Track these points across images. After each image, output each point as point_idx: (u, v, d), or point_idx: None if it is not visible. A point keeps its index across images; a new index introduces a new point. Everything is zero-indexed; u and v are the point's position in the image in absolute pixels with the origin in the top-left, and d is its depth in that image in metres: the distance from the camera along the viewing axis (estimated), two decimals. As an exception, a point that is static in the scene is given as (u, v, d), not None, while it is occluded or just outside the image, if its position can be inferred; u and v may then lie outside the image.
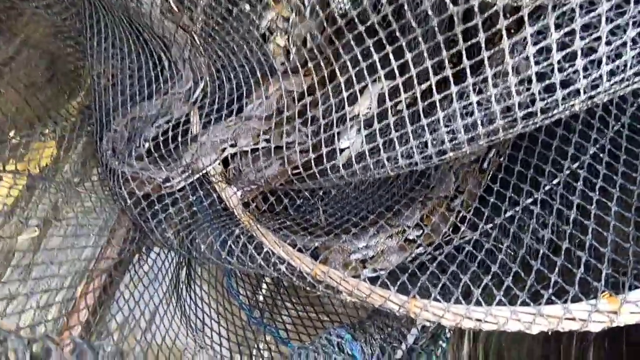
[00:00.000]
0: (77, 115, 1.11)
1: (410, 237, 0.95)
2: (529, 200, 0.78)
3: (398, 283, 0.72)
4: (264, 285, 1.05)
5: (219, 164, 0.99)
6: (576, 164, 0.69)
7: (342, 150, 1.04)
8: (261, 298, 0.98)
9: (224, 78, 1.06)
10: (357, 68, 0.74)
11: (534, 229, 0.79)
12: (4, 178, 0.91)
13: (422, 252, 0.92)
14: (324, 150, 0.85)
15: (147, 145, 0.99)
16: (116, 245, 1.08)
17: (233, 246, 0.74)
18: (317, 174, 0.86)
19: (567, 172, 0.71)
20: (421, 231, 0.95)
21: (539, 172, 0.81)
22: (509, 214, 0.80)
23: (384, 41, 0.66)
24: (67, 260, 1.03)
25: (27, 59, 0.94)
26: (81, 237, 1.06)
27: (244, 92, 1.08)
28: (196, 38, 1.03)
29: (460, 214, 0.94)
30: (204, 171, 0.97)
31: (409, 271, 0.82)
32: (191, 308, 0.88)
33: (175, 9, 1.01)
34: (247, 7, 1.19)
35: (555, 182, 0.74)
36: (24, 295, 0.90)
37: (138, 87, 1.01)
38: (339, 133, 1.05)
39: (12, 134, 0.99)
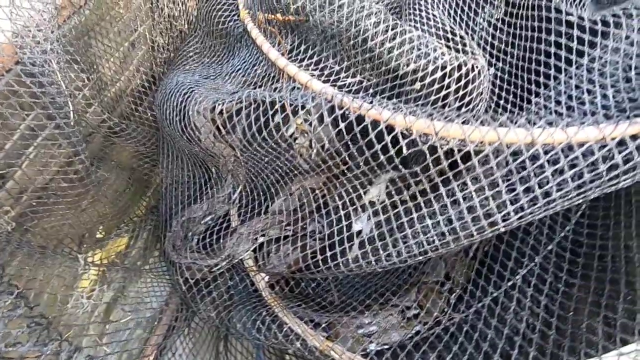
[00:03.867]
0: (144, 212, 1.43)
1: (409, 316, 1.12)
2: (502, 288, 0.97)
3: None
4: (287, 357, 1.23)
5: (253, 251, 1.25)
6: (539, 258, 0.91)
7: (356, 234, 1.28)
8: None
9: (257, 183, 1.37)
10: (364, 169, 0.98)
11: (515, 310, 0.98)
12: (92, 268, 1.20)
13: (419, 330, 1.09)
14: (337, 238, 1.09)
15: (196, 238, 1.27)
16: (166, 321, 1.32)
17: (261, 325, 0.96)
18: (330, 260, 1.08)
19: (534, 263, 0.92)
20: (418, 311, 1.12)
21: (516, 260, 1.01)
22: (485, 301, 0.99)
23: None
24: (130, 329, 1.28)
25: (116, 174, 1.29)
26: (141, 311, 1.31)
27: (273, 192, 1.38)
28: (238, 153, 1.36)
29: (448, 298, 1.12)
30: (242, 257, 1.23)
31: (407, 350, 1.01)
32: (227, 376, 1.08)
33: (224, 132, 1.36)
34: (278, 118, 1.54)
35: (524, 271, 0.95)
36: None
37: (190, 193, 1.32)
38: (351, 220, 1.29)
39: (100, 229, 1.30)
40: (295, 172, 1.37)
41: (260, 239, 1.30)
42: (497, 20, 1.09)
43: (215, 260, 1.18)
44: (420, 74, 0.87)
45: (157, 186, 1.49)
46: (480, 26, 1.12)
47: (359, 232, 1.32)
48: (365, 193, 1.27)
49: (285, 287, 1.20)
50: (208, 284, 1.12)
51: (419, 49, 0.86)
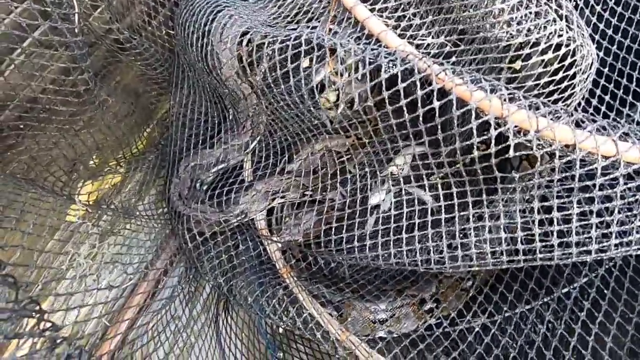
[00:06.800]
0: (145, 145, 1.25)
1: (426, 308, 1.06)
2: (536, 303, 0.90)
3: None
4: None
5: (266, 213, 1.13)
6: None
7: (372, 209, 1.17)
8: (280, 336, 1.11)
9: (277, 136, 1.20)
10: (393, 134, 0.83)
11: (533, 323, 0.92)
12: (80, 199, 1.05)
13: (437, 323, 1.04)
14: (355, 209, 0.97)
15: (204, 188, 1.13)
16: (161, 266, 1.22)
17: (277, 306, 0.86)
18: (346, 232, 0.97)
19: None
20: (437, 304, 1.06)
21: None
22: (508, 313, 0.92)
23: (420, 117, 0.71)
24: (118, 271, 1.17)
25: (118, 97, 1.09)
26: (132, 249, 1.20)
27: (293, 150, 1.22)
28: (262, 99, 1.17)
29: (471, 295, 1.06)
30: (255, 216, 1.10)
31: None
32: (225, 341, 1.00)
33: (249, 71, 1.15)
34: (307, 62, 1.34)
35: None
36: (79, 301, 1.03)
37: (203, 134, 1.15)
38: (371, 189, 1.18)
39: (94, 157, 1.13)
40: (320, 129, 1.21)
41: (278, 200, 1.17)
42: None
43: (226, 216, 1.05)
44: (526, 51, 0.70)
45: (162, 117, 1.30)
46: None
47: (377, 207, 1.21)
48: (389, 161, 1.14)
49: (297, 255, 1.10)
50: (216, 242, 1.00)
51: (536, 20, 0.68)
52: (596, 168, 0.54)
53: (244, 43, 1.15)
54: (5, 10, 0.77)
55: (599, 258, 0.63)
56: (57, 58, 0.86)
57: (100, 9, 0.90)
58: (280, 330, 1.19)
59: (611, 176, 0.55)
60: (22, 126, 0.87)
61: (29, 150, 0.92)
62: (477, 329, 0.96)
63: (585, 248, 0.61)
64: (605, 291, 0.75)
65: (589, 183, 0.56)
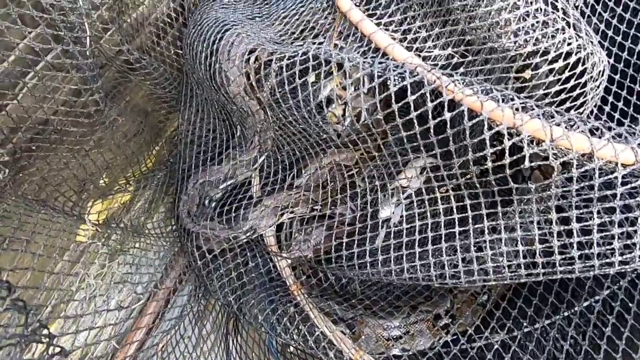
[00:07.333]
0: (153, 163, 1.26)
1: (442, 324, 1.03)
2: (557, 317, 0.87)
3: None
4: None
5: (275, 229, 1.12)
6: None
7: (382, 223, 1.15)
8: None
9: (285, 151, 1.20)
10: (403, 146, 0.80)
11: (555, 339, 0.88)
12: (90, 218, 1.05)
13: (453, 339, 1.00)
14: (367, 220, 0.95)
15: (213, 205, 1.12)
16: (170, 285, 1.21)
17: (288, 324, 0.84)
18: (357, 246, 0.95)
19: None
20: (452, 319, 1.03)
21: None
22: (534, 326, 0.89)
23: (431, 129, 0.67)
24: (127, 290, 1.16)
25: (127, 117, 1.10)
26: (142, 268, 1.19)
27: (301, 164, 1.22)
28: (269, 114, 1.18)
29: (487, 310, 1.02)
30: (263, 232, 1.09)
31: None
32: (236, 361, 0.99)
33: (256, 88, 1.16)
34: (313, 77, 1.34)
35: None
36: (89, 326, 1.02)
37: (210, 154, 1.15)
38: (381, 203, 1.16)
39: (104, 176, 1.14)
40: (328, 143, 1.21)
41: (287, 215, 1.16)
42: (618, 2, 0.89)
43: (235, 233, 1.05)
44: (536, 60, 0.69)
45: (171, 135, 1.31)
46: (593, 7, 0.92)
47: (387, 220, 1.19)
48: (398, 173, 1.12)
49: (307, 271, 1.08)
50: (226, 259, 0.99)
51: (545, 28, 0.67)
52: (615, 177, 0.52)
53: (251, 60, 1.16)
54: (20, 35, 0.79)
55: (622, 270, 0.61)
56: (69, 80, 0.87)
57: (110, 32, 0.92)
58: (291, 349, 1.17)
59: (631, 185, 0.53)
60: (34, 148, 0.88)
61: (40, 171, 0.93)
62: (496, 346, 0.92)
63: (607, 260, 0.58)
64: (630, 304, 0.72)
65: (608, 193, 0.54)
